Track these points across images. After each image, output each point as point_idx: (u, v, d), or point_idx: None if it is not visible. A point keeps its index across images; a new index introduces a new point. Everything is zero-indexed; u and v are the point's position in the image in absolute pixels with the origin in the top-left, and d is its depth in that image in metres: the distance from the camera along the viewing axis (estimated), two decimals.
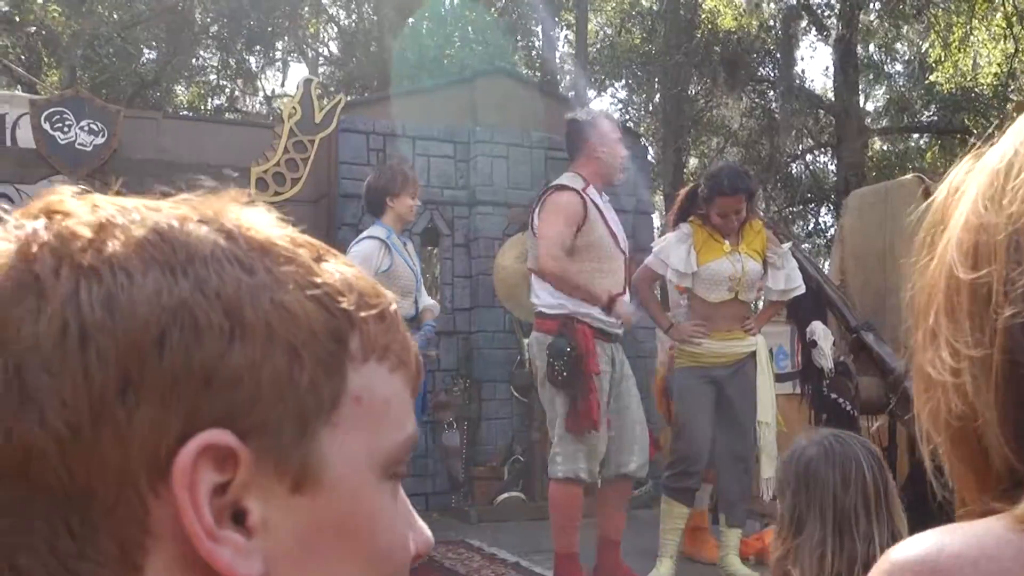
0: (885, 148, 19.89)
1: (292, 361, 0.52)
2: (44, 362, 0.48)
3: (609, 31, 19.51)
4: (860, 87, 17.37)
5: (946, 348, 0.57)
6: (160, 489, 0.49)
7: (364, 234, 5.02)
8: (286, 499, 0.52)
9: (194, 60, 18.35)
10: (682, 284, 4.72)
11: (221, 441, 0.50)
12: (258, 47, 18.05)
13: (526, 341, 7.14)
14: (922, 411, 0.60)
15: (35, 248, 0.51)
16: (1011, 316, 0.53)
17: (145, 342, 0.49)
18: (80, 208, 0.54)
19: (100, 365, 0.49)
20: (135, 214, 0.53)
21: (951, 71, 17.23)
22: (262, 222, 0.57)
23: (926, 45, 17.98)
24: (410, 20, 16.95)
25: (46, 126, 6.51)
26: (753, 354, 4.75)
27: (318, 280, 0.55)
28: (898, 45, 18.89)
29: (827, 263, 12.94)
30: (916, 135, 19.34)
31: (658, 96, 17.56)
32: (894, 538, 1.77)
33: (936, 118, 17.52)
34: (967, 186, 0.59)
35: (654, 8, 17.80)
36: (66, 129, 6.52)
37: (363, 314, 0.56)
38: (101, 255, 0.51)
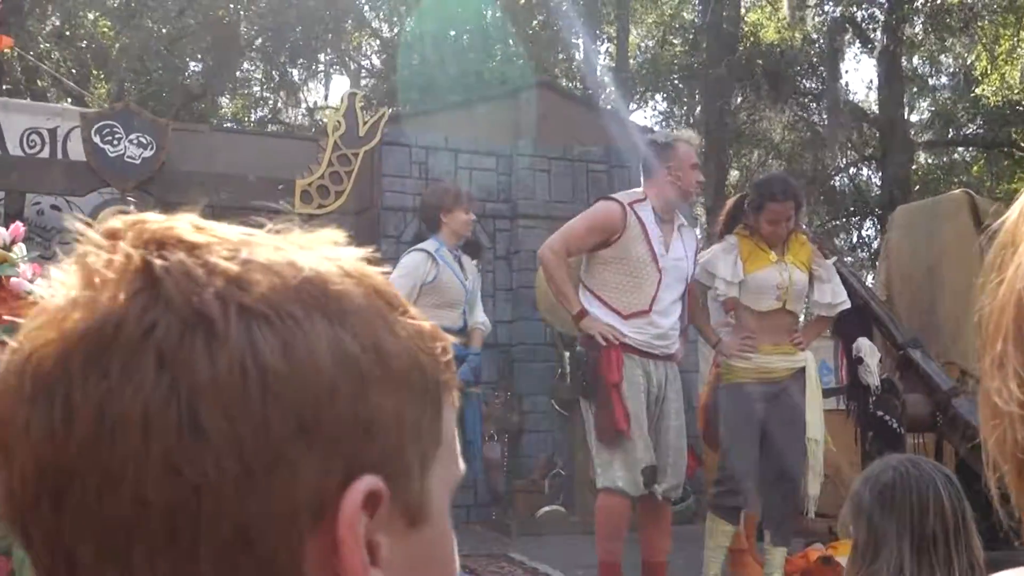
0: (930, 161, 19.68)
1: (422, 406, 0.56)
2: (223, 406, 0.49)
3: (650, 43, 19.50)
4: (905, 100, 17.20)
5: (1014, 378, 0.55)
6: (316, 531, 0.51)
7: (415, 247, 5.14)
8: (404, 533, 0.55)
9: (238, 72, 18.57)
10: (730, 293, 4.68)
11: (377, 487, 0.52)
12: (301, 60, 18.24)
13: (567, 354, 7.14)
14: (989, 438, 0.58)
15: (186, 284, 0.51)
16: None
17: (320, 390, 0.51)
18: (201, 237, 0.54)
19: (278, 412, 0.50)
20: (270, 253, 0.54)
21: (997, 84, 17.01)
22: (369, 267, 0.58)
23: (972, 57, 17.78)
24: (451, 33, 17.05)
25: (96, 139, 6.62)
26: (803, 370, 4.70)
27: (422, 327, 0.58)
28: (943, 57, 18.70)
29: (871, 277, 12.80)
30: (962, 148, 19.10)
31: (699, 109, 17.49)
32: (972, 568, 1.76)
33: (982, 131, 17.30)
34: None
35: (695, 21, 17.77)
36: (116, 142, 6.63)
37: (446, 358, 0.59)
38: (266, 299, 0.51)
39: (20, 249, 2.00)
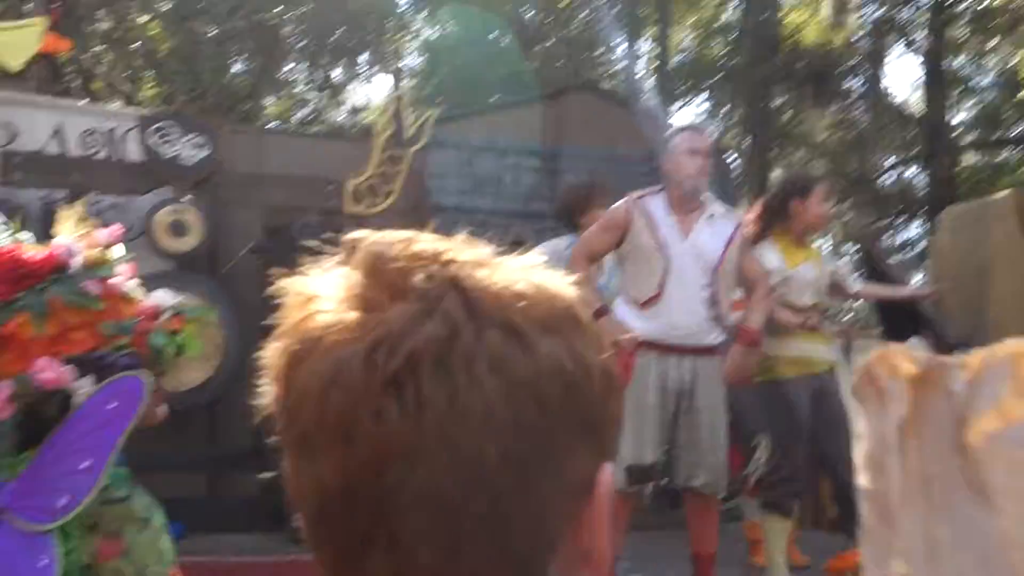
0: (977, 162, 19.47)
1: (620, 411, 0.67)
2: (540, 402, 0.59)
3: (691, 43, 19.45)
4: (948, 101, 17.06)
5: None
6: (585, 505, 0.62)
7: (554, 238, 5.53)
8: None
9: (279, 75, 18.76)
10: (780, 288, 4.74)
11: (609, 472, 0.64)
12: (344, 60, 18.39)
13: None
14: None
15: (497, 302, 0.61)
16: None
17: (595, 394, 0.62)
18: (479, 255, 0.64)
19: (575, 408, 0.61)
20: (533, 276, 0.64)
21: None
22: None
23: (1016, 59, 17.59)
24: (491, 35, 17.12)
25: (152, 140, 6.75)
26: (834, 366, 4.78)
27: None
28: (987, 60, 18.50)
29: (918, 277, 12.71)
30: (1007, 150, 18.89)
31: (741, 109, 17.45)
32: None
33: None
34: None
35: (736, 23, 17.72)
36: (172, 143, 6.76)
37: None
38: (553, 318, 0.62)
39: (118, 250, 2.08)
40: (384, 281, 0.61)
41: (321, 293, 0.63)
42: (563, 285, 0.65)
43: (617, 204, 4.62)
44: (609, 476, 0.63)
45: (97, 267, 1.99)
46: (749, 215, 5.03)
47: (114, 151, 7.29)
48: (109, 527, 1.89)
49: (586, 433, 0.61)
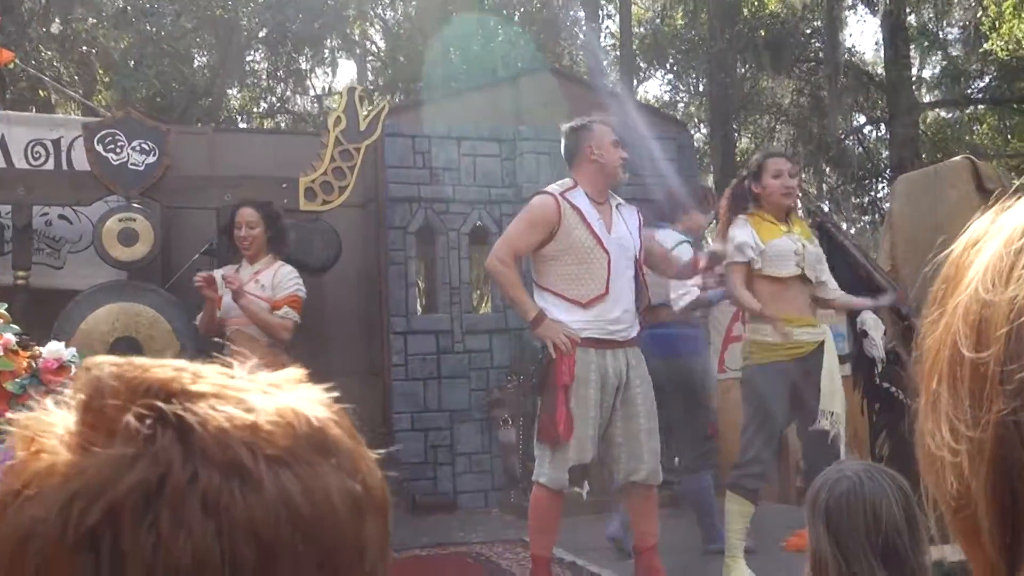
0: (941, 115, 19.48)
1: (385, 525, 0.63)
2: (259, 545, 0.55)
3: (651, 15, 19.38)
4: (914, 56, 17.04)
5: (946, 423, 0.54)
6: None
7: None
8: None
9: (245, 67, 18.58)
10: (756, 264, 4.72)
11: None
12: (306, 48, 18.23)
13: None
14: (926, 478, 0.58)
15: (218, 436, 0.56)
16: (999, 412, 0.50)
17: (335, 528, 0.58)
18: (205, 386, 0.59)
19: (305, 548, 0.56)
20: (269, 400, 0.60)
21: (1007, 37, 16.82)
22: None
23: (980, 13, 17.58)
24: (454, 16, 16.99)
25: (99, 148, 6.66)
26: (822, 344, 4.72)
27: (374, 454, 0.66)
28: (952, 11, 18.49)
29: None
30: (972, 105, 18.94)
31: (703, 81, 17.41)
32: (920, 571, 1.80)
33: (993, 85, 17.13)
34: (984, 244, 0.56)
35: None
36: (118, 150, 6.67)
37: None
38: (287, 449, 0.58)
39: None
40: (100, 420, 0.56)
41: (45, 430, 0.58)
42: (314, 407, 0.61)
43: (542, 200, 4.47)
44: None
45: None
46: (720, 204, 5.05)
47: (62, 161, 7.21)
48: None
49: (323, 572, 0.57)
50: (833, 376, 4.69)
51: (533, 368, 4.44)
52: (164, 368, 0.59)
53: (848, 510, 1.81)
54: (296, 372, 0.64)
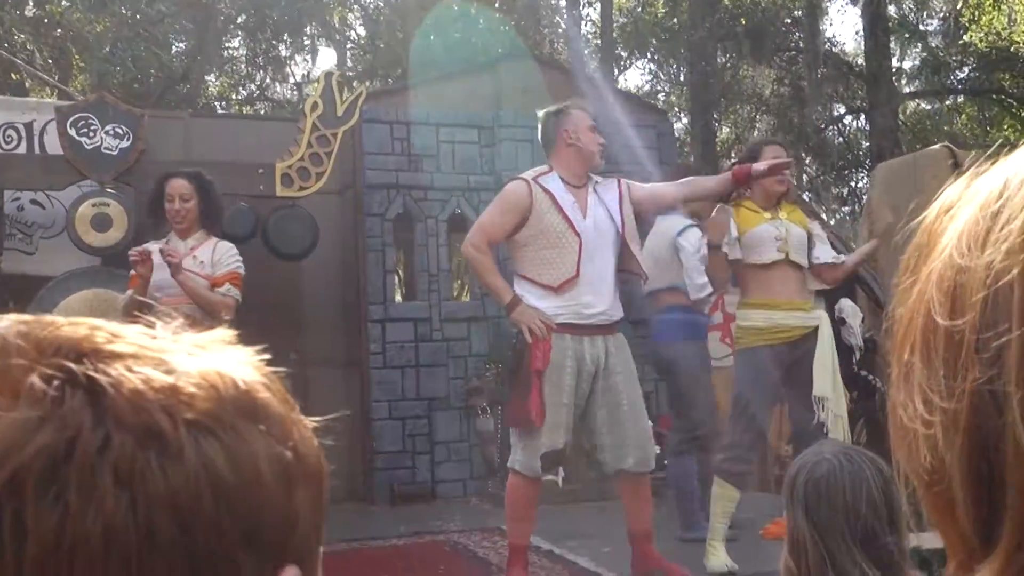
0: (921, 106, 19.56)
1: (323, 496, 0.59)
2: (179, 517, 0.50)
3: (632, 4, 19.34)
4: (894, 47, 17.08)
5: (919, 394, 0.52)
6: None
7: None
8: None
9: (224, 52, 18.44)
10: (732, 254, 4.70)
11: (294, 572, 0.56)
12: (286, 34, 18.10)
13: None
14: (898, 452, 0.56)
15: (133, 399, 0.51)
16: (974, 381, 0.48)
17: (262, 497, 0.53)
18: (122, 346, 0.54)
19: (229, 519, 0.52)
20: (192, 362, 0.55)
21: (987, 28, 16.89)
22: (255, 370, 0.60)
23: (960, 4, 17.64)
24: (434, 3, 16.90)
25: (72, 132, 6.57)
26: (817, 329, 4.70)
27: (310, 422, 0.61)
28: (932, 2, 18.56)
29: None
30: (951, 96, 19.02)
31: (684, 71, 17.40)
32: (898, 553, 1.78)
33: (973, 76, 17.19)
34: (958, 210, 0.54)
35: None
36: (91, 134, 6.59)
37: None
38: (209, 413, 0.53)
39: None
40: (4, 381, 0.51)
41: None
42: (241, 369, 0.57)
43: (514, 186, 4.45)
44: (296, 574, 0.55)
45: None
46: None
47: (34, 145, 7.11)
48: None
49: (249, 542, 0.53)
50: (825, 362, 4.67)
51: (509, 354, 4.40)
52: (77, 326, 0.54)
53: (827, 492, 1.79)
54: (225, 333, 0.60)
